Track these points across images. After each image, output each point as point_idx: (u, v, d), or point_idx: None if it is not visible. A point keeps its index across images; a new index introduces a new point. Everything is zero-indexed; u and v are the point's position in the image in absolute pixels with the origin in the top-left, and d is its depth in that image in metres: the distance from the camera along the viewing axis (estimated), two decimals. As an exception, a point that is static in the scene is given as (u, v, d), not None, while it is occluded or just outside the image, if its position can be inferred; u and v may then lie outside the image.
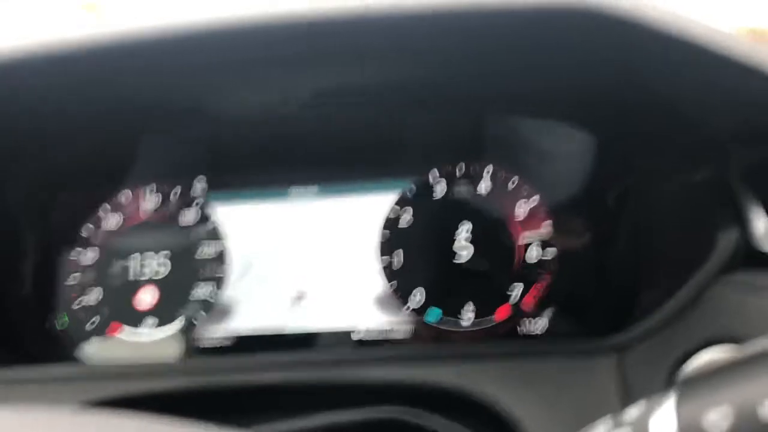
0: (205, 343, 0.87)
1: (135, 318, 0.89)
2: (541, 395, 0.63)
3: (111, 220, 0.93)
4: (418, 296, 0.86)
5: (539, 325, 0.84)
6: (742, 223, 0.63)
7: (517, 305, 0.84)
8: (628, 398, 0.61)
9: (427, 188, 0.90)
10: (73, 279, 0.91)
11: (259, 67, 0.69)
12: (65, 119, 0.79)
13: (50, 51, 0.58)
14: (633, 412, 0.38)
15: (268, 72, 0.70)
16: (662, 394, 0.37)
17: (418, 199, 0.89)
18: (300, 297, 0.88)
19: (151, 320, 0.88)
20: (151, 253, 0.91)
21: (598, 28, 0.55)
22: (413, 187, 0.90)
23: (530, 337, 0.83)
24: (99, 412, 0.40)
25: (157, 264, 0.90)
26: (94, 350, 0.89)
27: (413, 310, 0.86)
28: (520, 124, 0.86)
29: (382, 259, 0.88)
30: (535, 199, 0.87)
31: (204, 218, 0.92)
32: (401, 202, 0.89)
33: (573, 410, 0.61)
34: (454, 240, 0.87)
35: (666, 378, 0.59)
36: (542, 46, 0.61)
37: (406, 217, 0.89)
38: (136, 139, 0.89)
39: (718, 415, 0.33)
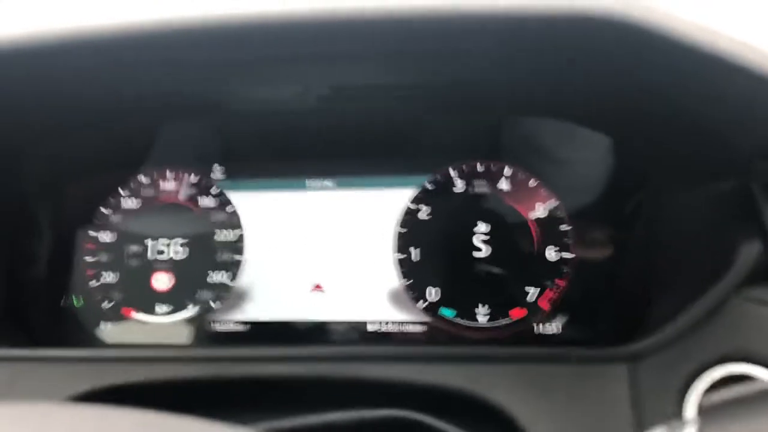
0: (220, 328, 0.88)
1: (150, 301, 0.90)
2: (549, 402, 0.62)
3: (129, 203, 0.94)
4: (432, 294, 0.86)
5: (553, 328, 0.83)
6: (764, 236, 0.62)
7: (531, 307, 0.84)
8: (639, 410, 0.60)
9: (445, 186, 0.89)
10: (89, 259, 0.92)
11: (280, 62, 0.68)
12: (85, 105, 0.79)
13: (73, 38, 0.58)
14: None
15: (289, 66, 0.70)
16: (680, 423, 0.37)
17: (435, 196, 0.89)
18: (316, 288, 0.88)
19: (166, 304, 0.89)
20: (168, 237, 0.91)
21: (618, 37, 0.54)
22: (431, 184, 0.89)
23: (543, 342, 0.83)
24: (92, 406, 0.39)
25: (174, 248, 0.91)
26: (108, 332, 0.90)
27: (427, 307, 0.86)
28: (540, 127, 0.86)
29: (398, 255, 0.88)
30: (553, 202, 0.87)
31: (221, 205, 0.92)
32: (418, 199, 0.89)
33: (581, 419, 0.61)
34: (471, 239, 0.87)
35: (679, 392, 0.59)
36: (563, 52, 0.61)
37: (424, 214, 0.89)
38: (156, 127, 0.90)
39: None
